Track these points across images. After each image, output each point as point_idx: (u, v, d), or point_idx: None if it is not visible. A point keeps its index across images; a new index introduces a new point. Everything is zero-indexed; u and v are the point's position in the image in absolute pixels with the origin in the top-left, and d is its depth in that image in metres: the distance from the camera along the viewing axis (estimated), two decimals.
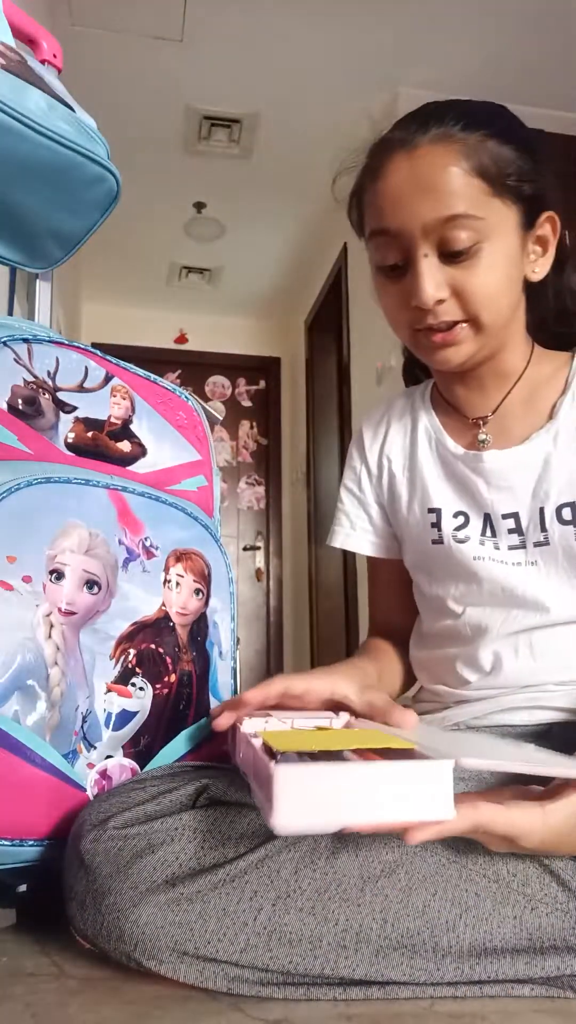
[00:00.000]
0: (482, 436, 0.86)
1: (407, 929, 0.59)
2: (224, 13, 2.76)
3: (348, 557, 3.59)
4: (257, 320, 5.11)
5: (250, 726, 0.67)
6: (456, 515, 0.86)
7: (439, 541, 0.87)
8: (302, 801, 0.48)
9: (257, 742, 0.60)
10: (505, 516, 0.83)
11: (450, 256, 0.75)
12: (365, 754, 0.57)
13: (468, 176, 0.74)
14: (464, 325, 0.78)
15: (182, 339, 4.94)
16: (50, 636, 0.72)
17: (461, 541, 0.85)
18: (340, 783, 0.49)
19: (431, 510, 0.88)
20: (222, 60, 2.99)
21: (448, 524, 0.86)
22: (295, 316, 4.84)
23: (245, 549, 4.84)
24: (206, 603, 0.86)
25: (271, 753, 0.58)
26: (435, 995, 0.59)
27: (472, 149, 0.75)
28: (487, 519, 0.84)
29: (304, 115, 3.28)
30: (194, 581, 0.85)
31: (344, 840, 0.61)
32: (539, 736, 0.78)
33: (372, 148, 0.82)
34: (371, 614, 1.04)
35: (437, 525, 0.87)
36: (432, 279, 0.75)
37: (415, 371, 1.01)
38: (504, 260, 0.77)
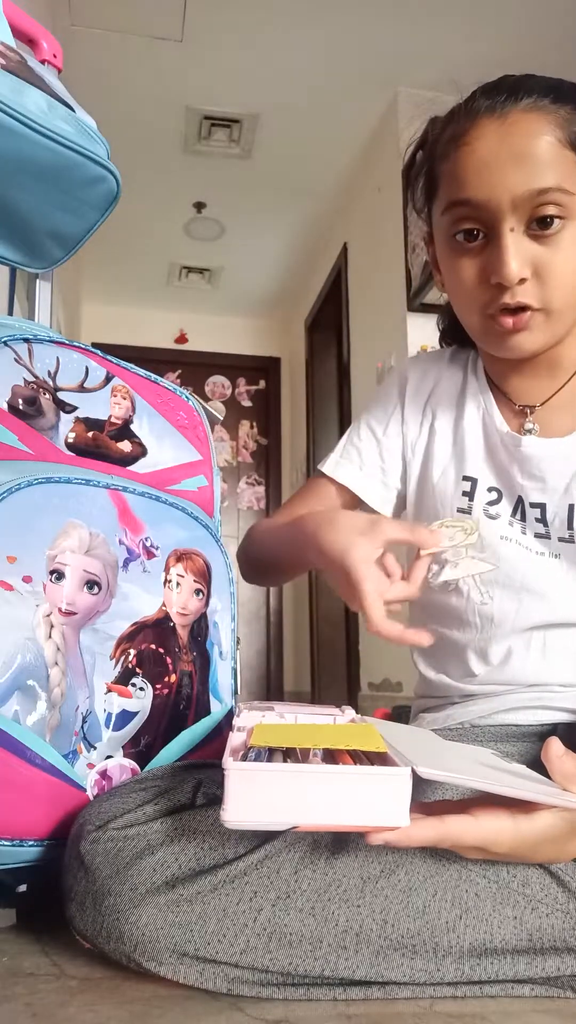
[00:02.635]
0: (529, 426, 0.83)
1: (407, 930, 0.59)
2: (224, 13, 2.76)
3: None
4: (257, 320, 5.11)
5: (246, 719, 0.67)
6: (490, 490, 0.84)
7: (466, 511, 0.85)
8: (251, 799, 0.51)
9: (235, 736, 0.61)
10: (533, 505, 0.81)
11: (536, 232, 0.72)
12: (340, 755, 0.57)
13: (562, 148, 0.71)
14: (535, 313, 0.74)
15: (182, 339, 4.95)
16: (50, 636, 0.72)
17: (492, 517, 0.83)
18: (290, 785, 0.51)
19: (466, 478, 0.86)
20: (222, 60, 2.99)
21: (481, 497, 0.84)
22: (295, 316, 4.84)
23: None
24: (206, 603, 0.86)
25: (242, 747, 0.59)
26: (435, 995, 0.59)
27: (565, 120, 0.71)
28: (519, 502, 0.83)
29: (304, 115, 3.28)
30: (194, 581, 0.85)
31: (343, 841, 0.61)
32: (543, 737, 0.78)
33: (453, 115, 0.77)
34: (278, 518, 0.94)
35: (469, 495, 0.85)
36: (518, 255, 0.71)
37: (448, 340, 0.98)
38: None
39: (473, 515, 0.84)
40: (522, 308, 0.74)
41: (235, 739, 0.61)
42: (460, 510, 0.85)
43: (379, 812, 0.51)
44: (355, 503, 0.93)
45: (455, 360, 0.94)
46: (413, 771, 0.51)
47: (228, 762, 0.51)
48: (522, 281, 0.72)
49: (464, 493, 0.85)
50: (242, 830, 0.60)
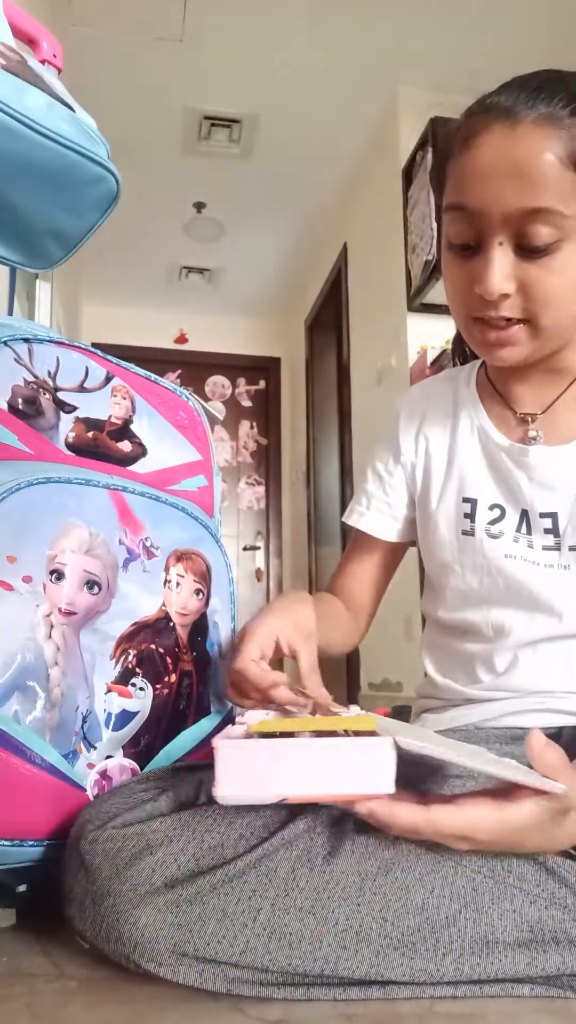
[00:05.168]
0: (532, 433, 0.83)
1: (407, 927, 0.58)
2: (224, 13, 2.76)
3: None
4: (257, 320, 5.12)
5: (250, 717, 0.68)
6: (492, 507, 0.84)
7: (470, 533, 0.85)
8: (240, 774, 0.54)
9: (232, 728, 0.64)
10: (543, 515, 0.81)
11: (526, 250, 0.70)
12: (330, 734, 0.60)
13: (563, 167, 0.68)
14: (521, 325, 0.73)
15: (182, 339, 4.95)
16: (50, 636, 0.72)
17: (494, 536, 0.83)
18: (276, 758, 0.54)
19: (466, 499, 0.86)
20: (222, 60, 2.99)
21: (483, 516, 0.84)
22: (295, 316, 4.85)
23: (245, 549, 4.84)
24: (206, 603, 0.86)
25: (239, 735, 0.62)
26: (435, 995, 0.59)
27: (574, 138, 0.69)
28: (524, 515, 0.82)
29: (304, 115, 3.28)
30: (194, 581, 0.85)
31: (340, 838, 0.61)
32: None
33: (472, 110, 0.75)
34: (335, 582, 0.99)
35: (471, 516, 0.85)
36: (501, 270, 0.70)
37: (464, 348, 0.97)
38: None
39: (476, 536, 0.84)
40: (509, 321, 0.73)
41: (232, 730, 0.63)
42: (464, 532, 0.85)
43: (364, 780, 0.54)
44: (382, 541, 0.96)
45: (449, 378, 0.95)
46: (395, 743, 0.54)
47: (216, 740, 0.54)
48: (505, 297, 0.71)
49: (466, 515, 0.85)
50: (235, 805, 0.62)
